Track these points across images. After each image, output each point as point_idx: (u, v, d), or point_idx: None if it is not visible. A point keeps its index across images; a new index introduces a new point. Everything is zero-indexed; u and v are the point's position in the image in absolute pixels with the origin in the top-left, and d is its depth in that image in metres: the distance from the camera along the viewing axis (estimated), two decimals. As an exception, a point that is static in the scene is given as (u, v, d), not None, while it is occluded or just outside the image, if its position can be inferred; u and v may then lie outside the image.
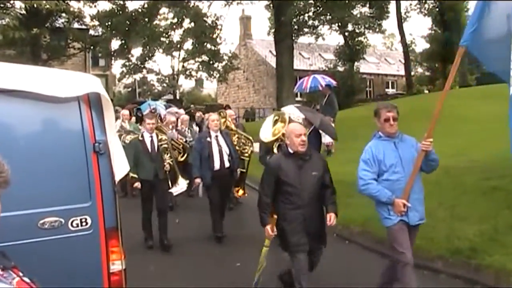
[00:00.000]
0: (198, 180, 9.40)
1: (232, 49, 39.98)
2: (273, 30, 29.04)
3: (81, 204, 3.79)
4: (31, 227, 3.57)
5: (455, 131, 14.26)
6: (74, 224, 3.75)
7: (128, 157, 8.71)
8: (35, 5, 23.58)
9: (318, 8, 26.66)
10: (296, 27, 26.53)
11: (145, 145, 9.05)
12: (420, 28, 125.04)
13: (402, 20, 41.61)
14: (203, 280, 7.27)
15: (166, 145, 9.76)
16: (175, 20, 32.17)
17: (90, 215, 3.81)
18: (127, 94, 53.54)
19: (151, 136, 9.14)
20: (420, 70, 51.23)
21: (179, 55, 37.99)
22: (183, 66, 37.45)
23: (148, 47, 32.11)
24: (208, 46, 32.36)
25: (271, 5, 28.40)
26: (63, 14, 28.92)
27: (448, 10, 41.81)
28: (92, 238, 3.83)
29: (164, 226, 8.92)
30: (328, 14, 26.79)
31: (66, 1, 27.19)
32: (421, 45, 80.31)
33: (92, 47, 32.21)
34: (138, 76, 40.10)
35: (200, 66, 34.66)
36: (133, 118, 15.92)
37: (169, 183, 9.64)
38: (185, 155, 11.67)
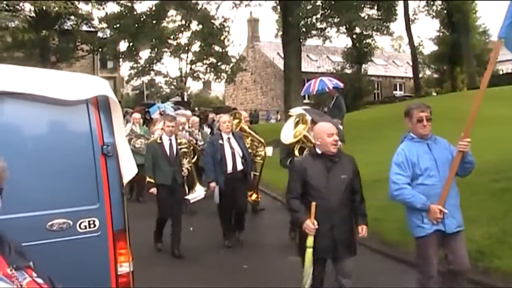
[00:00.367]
0: (213, 184, 8.95)
1: (240, 51, 40.03)
2: (281, 33, 29.02)
3: (89, 206, 3.80)
4: (39, 229, 3.58)
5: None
6: (82, 226, 3.76)
7: (146, 160, 8.69)
8: (44, 8, 23.64)
9: (326, 10, 26.64)
10: (304, 29, 26.51)
11: (164, 149, 8.71)
12: (428, 30, 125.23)
13: (410, 22, 41.54)
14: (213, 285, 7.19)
15: (186, 149, 9.45)
16: (183, 22, 32.26)
17: (98, 217, 3.82)
18: (135, 96, 53.68)
19: (170, 139, 8.79)
20: (428, 72, 51.16)
21: (187, 57, 38.07)
22: (191, 69, 37.53)
23: (156, 49, 32.19)
24: (216, 48, 32.41)
25: (279, 7, 28.39)
26: (72, 17, 29.05)
27: (456, 11, 41.72)
28: (100, 240, 3.83)
29: (178, 235, 8.56)
30: (336, 16, 26.76)
31: (74, 4, 27.29)
32: (429, 47, 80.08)
33: (100, 49, 32.34)
34: (146, 78, 40.22)
35: (208, 68, 34.73)
36: (140, 121, 15.79)
37: (186, 189, 9.29)
38: (195, 157, 11.39)
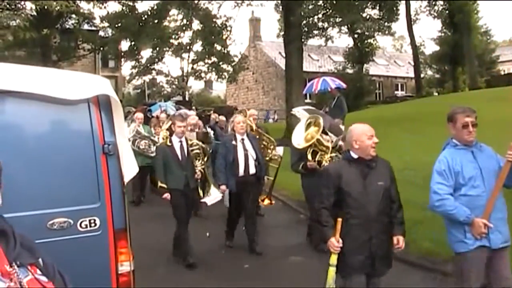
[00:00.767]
0: (224, 188, 8.57)
1: (242, 50, 40.03)
2: (282, 32, 28.99)
3: (90, 205, 3.80)
4: (40, 228, 3.57)
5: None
6: (83, 225, 3.76)
7: (157, 165, 8.33)
8: (45, 7, 23.66)
9: (327, 10, 26.64)
10: (305, 29, 26.53)
11: (174, 151, 8.27)
12: (429, 30, 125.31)
13: (412, 22, 41.50)
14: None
15: (198, 151, 9.06)
16: (185, 21, 32.26)
17: (99, 216, 3.82)
18: (136, 96, 53.64)
19: (181, 141, 8.36)
20: (429, 72, 51.16)
21: (189, 56, 38.08)
22: (192, 68, 37.53)
23: (157, 48, 32.19)
24: (218, 47, 32.42)
25: (281, 7, 28.38)
26: (73, 16, 29.06)
27: (457, 12, 41.71)
28: (100, 239, 3.83)
29: (186, 241, 8.16)
30: (338, 16, 26.77)
31: (76, 3, 27.30)
32: (430, 47, 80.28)
33: (101, 49, 32.33)
34: (147, 78, 40.23)
35: (209, 67, 34.74)
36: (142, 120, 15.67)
37: (200, 192, 9.04)
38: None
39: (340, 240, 4.69)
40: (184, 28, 33.22)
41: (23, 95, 3.57)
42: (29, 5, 26.41)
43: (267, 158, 9.84)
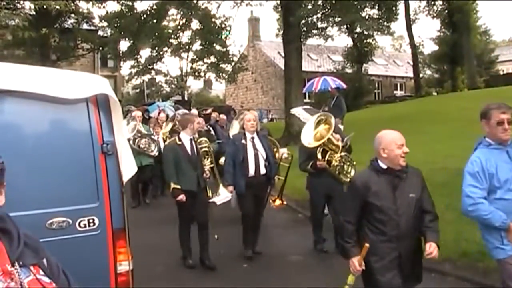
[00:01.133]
0: (231, 189, 8.33)
1: (241, 50, 40.05)
2: (281, 32, 28.99)
3: (88, 204, 3.80)
4: (39, 227, 3.57)
5: (465, 133, 14.21)
6: (81, 224, 3.76)
7: (167, 165, 7.96)
8: (44, 6, 23.63)
9: (326, 10, 26.61)
10: (304, 28, 26.49)
11: (186, 150, 7.88)
12: (428, 30, 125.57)
13: (411, 22, 41.53)
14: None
15: (207, 149, 8.81)
16: (184, 21, 32.23)
17: (98, 215, 3.82)
18: (135, 95, 53.71)
19: (191, 139, 8.02)
20: (428, 72, 51.19)
21: (188, 56, 38.07)
22: (191, 68, 37.53)
23: (156, 48, 32.17)
24: (217, 47, 32.42)
25: (280, 6, 28.37)
26: (72, 15, 29.04)
27: (456, 12, 41.73)
28: (99, 239, 3.84)
29: (206, 243, 7.93)
30: (337, 16, 26.75)
31: (75, 2, 27.28)
32: (429, 47, 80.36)
33: (100, 48, 32.29)
34: (146, 77, 40.23)
35: (208, 67, 34.76)
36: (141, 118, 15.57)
37: (210, 192, 8.72)
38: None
39: (363, 264, 4.35)
40: (183, 27, 33.20)
41: (22, 95, 3.58)
42: (28, 5, 26.36)
43: (277, 158, 9.55)
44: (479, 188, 4.45)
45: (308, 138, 7.84)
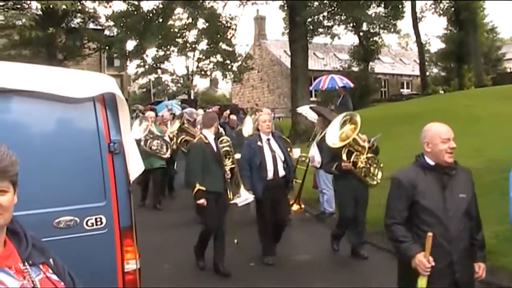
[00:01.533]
0: (251, 193, 7.94)
1: (247, 49, 40.08)
2: (287, 31, 28.98)
3: (96, 203, 3.81)
4: (46, 226, 3.58)
5: (472, 131, 14.17)
6: (89, 223, 3.77)
7: (194, 163, 7.48)
8: (51, 6, 23.69)
9: (333, 8, 26.60)
10: (310, 27, 26.50)
11: (213, 149, 7.56)
12: (435, 28, 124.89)
13: (417, 20, 41.41)
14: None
15: (228, 148, 8.45)
16: (190, 20, 32.27)
17: (105, 214, 3.83)
18: (141, 94, 53.71)
19: (215, 138, 7.78)
20: (435, 70, 50.98)
21: (194, 55, 38.11)
22: (197, 67, 37.58)
23: (163, 47, 32.23)
24: (223, 46, 32.44)
25: (286, 5, 28.35)
26: (79, 15, 29.11)
27: (463, 9, 41.54)
28: (106, 238, 3.84)
29: (223, 249, 7.57)
30: (343, 14, 26.75)
31: (81, 2, 27.35)
32: (436, 45, 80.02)
33: (107, 48, 32.35)
34: (152, 77, 40.30)
35: (215, 66, 34.81)
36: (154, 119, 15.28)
37: (230, 193, 8.28)
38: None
39: (431, 259, 3.80)
40: (189, 26, 33.25)
41: (29, 94, 3.59)
42: (34, 4, 26.46)
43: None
44: None
45: (333, 138, 7.58)
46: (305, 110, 12.35)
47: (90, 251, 3.76)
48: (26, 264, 2.06)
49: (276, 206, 7.88)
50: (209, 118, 8.00)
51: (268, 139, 7.93)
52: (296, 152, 10.06)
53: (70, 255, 3.66)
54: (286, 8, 29.62)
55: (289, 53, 27.24)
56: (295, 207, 9.33)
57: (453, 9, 43.58)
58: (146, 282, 4.23)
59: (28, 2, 26.47)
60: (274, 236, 8.11)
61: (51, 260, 2.22)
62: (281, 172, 7.85)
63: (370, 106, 35.84)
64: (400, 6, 33.18)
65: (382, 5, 31.31)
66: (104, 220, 3.82)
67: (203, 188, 7.23)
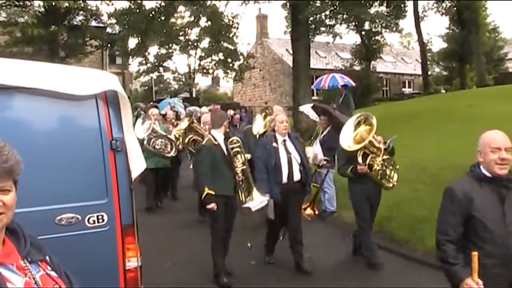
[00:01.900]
0: (268, 197, 7.49)
1: (249, 48, 40.08)
2: (289, 29, 28.95)
3: (97, 201, 3.81)
4: (48, 223, 3.59)
5: (472, 130, 14.12)
6: (90, 220, 3.77)
7: (203, 166, 7.17)
8: (53, 3, 23.74)
9: (335, 7, 26.57)
10: (312, 26, 26.46)
11: (222, 151, 7.24)
12: (437, 27, 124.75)
13: (419, 19, 41.34)
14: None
15: (238, 149, 7.71)
16: (192, 18, 32.27)
17: (107, 212, 3.83)
18: (143, 92, 53.67)
19: (224, 139, 7.42)
20: (437, 69, 50.90)
21: (196, 53, 38.12)
22: (199, 65, 37.59)
23: (165, 45, 32.24)
24: (225, 44, 32.46)
25: (288, 4, 28.33)
26: (81, 12, 29.13)
27: (465, 9, 41.46)
28: (108, 235, 3.85)
29: (226, 249, 7.45)
30: (345, 13, 26.71)
31: (84, -1, 27.45)
32: (438, 44, 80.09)
33: (109, 45, 32.37)
34: (154, 75, 40.31)
35: (217, 64, 34.83)
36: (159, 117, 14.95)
37: (242, 196, 7.66)
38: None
39: (480, 282, 3.53)
40: (191, 25, 33.26)
41: (31, 91, 3.59)
42: (37, 2, 26.52)
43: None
44: None
45: (348, 140, 7.28)
46: (307, 108, 12.34)
47: (92, 249, 3.77)
48: (25, 261, 2.08)
49: (288, 212, 7.60)
50: (218, 117, 7.71)
51: (284, 140, 7.61)
52: (308, 151, 9.44)
53: (72, 252, 3.68)
54: (288, 6, 29.59)
55: (291, 51, 27.26)
56: (308, 211, 9.02)
57: (455, 8, 43.49)
58: (147, 280, 4.23)
59: (31, -1, 26.54)
60: (292, 242, 7.76)
61: (47, 257, 2.25)
62: (296, 176, 7.51)
63: (372, 105, 35.79)
64: (402, 5, 33.13)
65: (384, 4, 31.26)
66: (105, 218, 3.82)
67: (213, 192, 6.98)
